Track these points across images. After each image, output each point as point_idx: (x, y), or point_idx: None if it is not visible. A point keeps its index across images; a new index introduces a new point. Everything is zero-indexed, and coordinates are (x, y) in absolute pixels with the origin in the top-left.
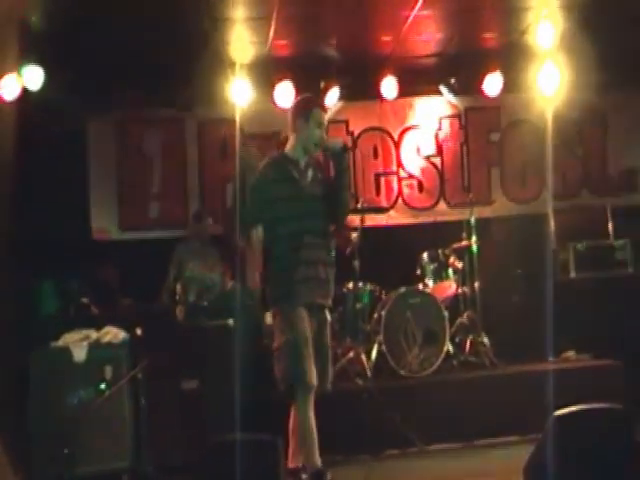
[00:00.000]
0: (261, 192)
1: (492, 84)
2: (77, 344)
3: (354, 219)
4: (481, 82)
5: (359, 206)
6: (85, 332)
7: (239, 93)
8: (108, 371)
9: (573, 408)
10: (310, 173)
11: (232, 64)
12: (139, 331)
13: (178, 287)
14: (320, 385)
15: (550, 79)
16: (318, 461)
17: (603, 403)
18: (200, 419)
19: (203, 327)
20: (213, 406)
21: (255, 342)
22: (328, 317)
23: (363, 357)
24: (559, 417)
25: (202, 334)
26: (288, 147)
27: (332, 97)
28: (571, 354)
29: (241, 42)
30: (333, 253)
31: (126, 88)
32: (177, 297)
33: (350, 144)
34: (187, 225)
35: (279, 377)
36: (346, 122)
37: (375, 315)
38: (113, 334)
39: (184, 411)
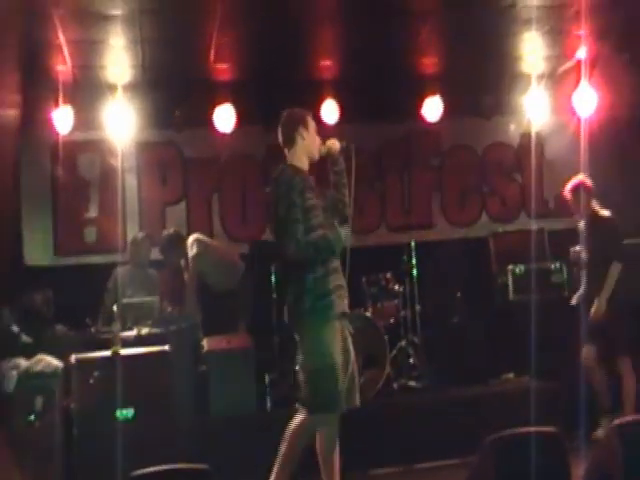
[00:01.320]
0: (300, 203)
1: (432, 109)
2: (6, 374)
3: None
4: (421, 107)
5: None
6: (14, 361)
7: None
8: (39, 401)
9: (507, 432)
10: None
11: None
12: (73, 359)
13: (115, 313)
14: (350, 403)
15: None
16: None
17: (538, 426)
18: (135, 449)
19: (139, 353)
20: (149, 435)
21: (193, 368)
22: (349, 326)
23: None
24: (493, 441)
25: (138, 361)
26: (292, 159)
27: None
28: (510, 376)
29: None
30: None
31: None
32: (114, 323)
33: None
34: (125, 250)
35: (310, 400)
36: None
37: None
38: (45, 363)
39: (119, 441)
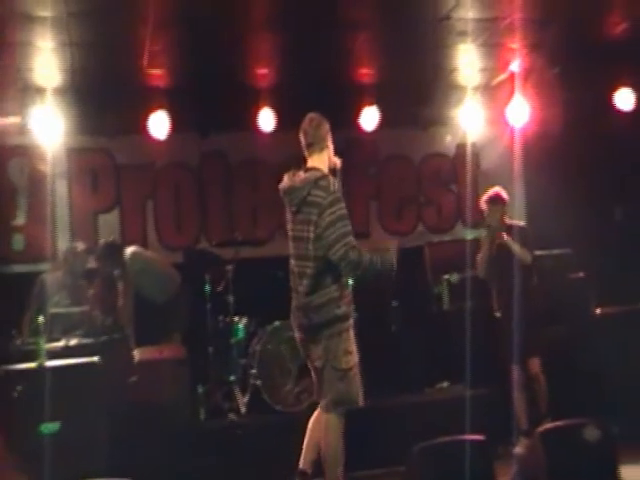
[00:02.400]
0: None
1: (369, 118)
2: None
3: (228, 252)
4: (358, 116)
5: (238, 238)
6: None
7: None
8: None
9: (434, 440)
10: None
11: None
12: None
13: (41, 322)
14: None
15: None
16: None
17: (473, 434)
18: (60, 463)
19: (68, 364)
20: (75, 449)
21: (124, 379)
22: None
23: (237, 392)
24: (420, 449)
25: (66, 372)
26: (321, 165)
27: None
28: (445, 385)
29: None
30: None
31: None
32: (39, 333)
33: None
34: (55, 258)
35: (338, 396)
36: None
37: (250, 350)
38: None
39: (43, 456)
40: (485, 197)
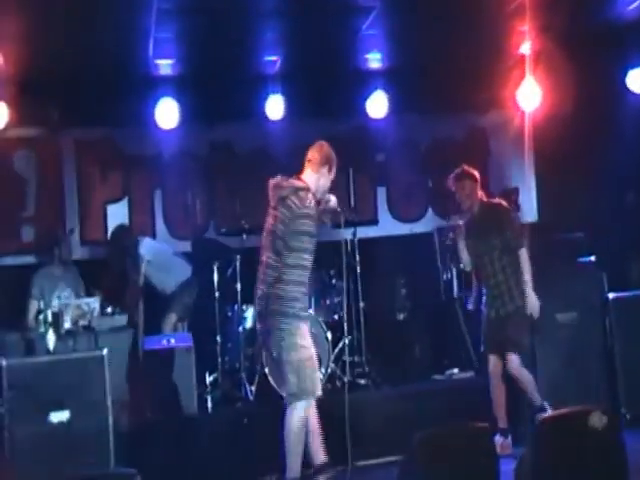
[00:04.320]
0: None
1: (377, 105)
2: None
3: (236, 241)
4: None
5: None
6: None
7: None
8: None
9: (435, 428)
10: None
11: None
12: (3, 362)
13: (49, 313)
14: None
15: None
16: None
17: (482, 421)
18: (69, 452)
19: (76, 355)
20: (83, 438)
21: (132, 368)
22: None
23: (245, 381)
24: (422, 437)
25: (74, 363)
26: (309, 181)
27: None
28: (455, 371)
29: None
30: None
31: None
32: (47, 324)
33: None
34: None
35: (295, 389)
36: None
37: (257, 338)
38: None
39: (53, 444)
40: (452, 175)
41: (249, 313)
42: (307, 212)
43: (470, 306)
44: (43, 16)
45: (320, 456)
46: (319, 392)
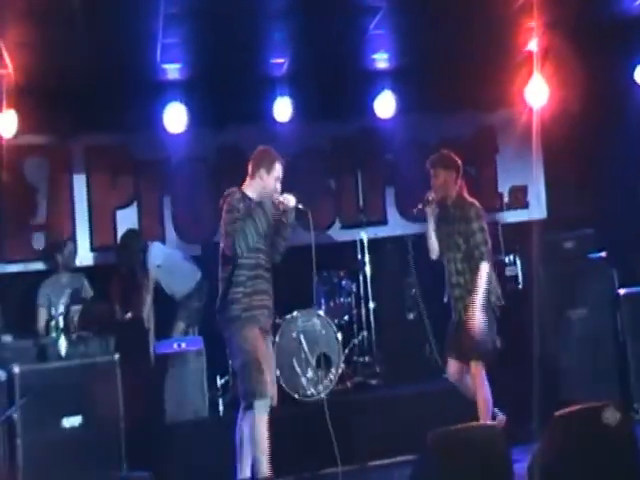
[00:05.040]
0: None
1: (384, 105)
2: None
3: None
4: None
5: None
6: None
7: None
8: None
9: (449, 428)
10: (267, 213)
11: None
12: (16, 369)
13: (60, 320)
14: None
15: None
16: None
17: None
18: (83, 457)
19: (87, 360)
20: (96, 442)
21: (144, 372)
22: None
23: None
24: (435, 436)
25: (86, 368)
26: (248, 188)
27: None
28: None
29: None
30: None
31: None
32: (58, 330)
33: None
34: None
35: (242, 393)
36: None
37: None
38: None
39: (65, 450)
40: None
41: None
42: (227, 210)
43: (446, 299)
44: (52, 24)
45: (246, 471)
46: (267, 395)
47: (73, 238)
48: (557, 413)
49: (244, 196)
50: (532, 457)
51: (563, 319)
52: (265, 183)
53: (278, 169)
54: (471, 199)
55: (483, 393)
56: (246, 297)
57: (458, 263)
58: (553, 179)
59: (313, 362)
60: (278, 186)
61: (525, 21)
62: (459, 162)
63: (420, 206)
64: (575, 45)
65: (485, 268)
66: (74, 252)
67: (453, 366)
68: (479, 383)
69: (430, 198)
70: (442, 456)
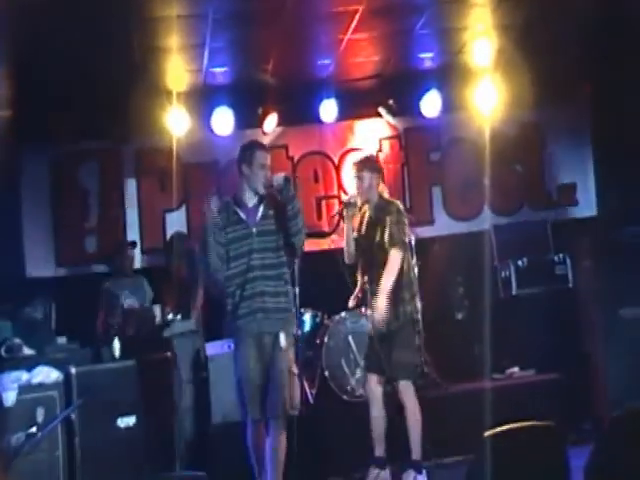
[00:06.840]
0: (217, 239)
1: (430, 104)
2: (6, 387)
3: None
4: (420, 102)
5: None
6: (15, 374)
7: (177, 122)
8: (40, 413)
9: (503, 427)
10: (261, 211)
11: (169, 93)
12: (73, 370)
13: (115, 321)
14: (272, 411)
15: (487, 97)
16: None
17: (544, 420)
18: (137, 456)
19: (140, 361)
20: (150, 442)
21: (194, 375)
22: (282, 343)
23: (305, 384)
24: (490, 437)
25: (140, 368)
26: (239, 190)
27: (271, 122)
28: (515, 370)
29: (177, 71)
30: (285, 283)
31: (60, 120)
32: (114, 332)
33: (290, 171)
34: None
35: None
36: (286, 147)
37: (317, 341)
38: (44, 374)
39: (121, 449)
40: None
41: (307, 317)
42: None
43: (351, 303)
44: (103, 33)
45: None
46: (254, 414)
47: (122, 243)
48: (613, 414)
49: (228, 204)
50: (588, 458)
51: (616, 319)
52: (254, 171)
53: (259, 156)
54: (391, 198)
55: (417, 415)
56: (235, 308)
57: (381, 268)
58: (604, 175)
59: (362, 363)
60: (267, 173)
61: None
62: (382, 166)
63: (339, 209)
64: None
65: (395, 255)
66: (133, 255)
67: (376, 384)
68: (415, 403)
69: (351, 201)
70: (498, 456)
